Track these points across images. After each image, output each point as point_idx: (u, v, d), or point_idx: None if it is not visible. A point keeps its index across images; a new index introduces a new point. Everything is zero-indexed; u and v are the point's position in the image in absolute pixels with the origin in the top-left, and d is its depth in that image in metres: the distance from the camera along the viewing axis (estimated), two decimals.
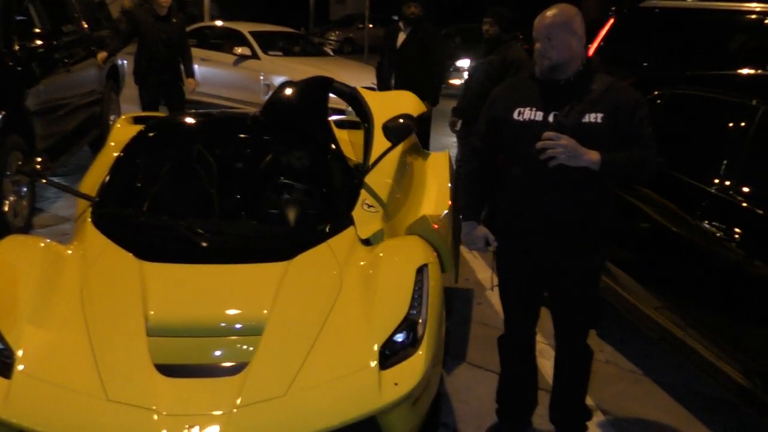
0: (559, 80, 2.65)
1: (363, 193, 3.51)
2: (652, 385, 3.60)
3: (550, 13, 2.65)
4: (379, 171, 3.67)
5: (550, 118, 2.61)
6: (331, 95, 4.33)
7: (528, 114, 2.65)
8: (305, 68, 9.23)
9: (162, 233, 3.15)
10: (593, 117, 2.59)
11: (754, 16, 6.30)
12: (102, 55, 7.02)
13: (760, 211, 2.94)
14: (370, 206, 3.45)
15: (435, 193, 3.98)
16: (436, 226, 3.47)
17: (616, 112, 2.60)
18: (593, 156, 2.53)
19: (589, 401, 3.06)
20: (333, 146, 3.84)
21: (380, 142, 3.71)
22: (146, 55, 6.65)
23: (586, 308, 2.87)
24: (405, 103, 4.48)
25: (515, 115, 2.67)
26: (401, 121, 3.62)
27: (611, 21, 6.88)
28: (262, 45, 10.59)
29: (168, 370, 2.44)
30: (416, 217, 3.57)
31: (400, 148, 3.80)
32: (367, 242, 3.30)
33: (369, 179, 3.60)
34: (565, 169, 2.55)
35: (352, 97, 4.39)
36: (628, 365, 3.79)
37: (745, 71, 4.15)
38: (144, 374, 2.41)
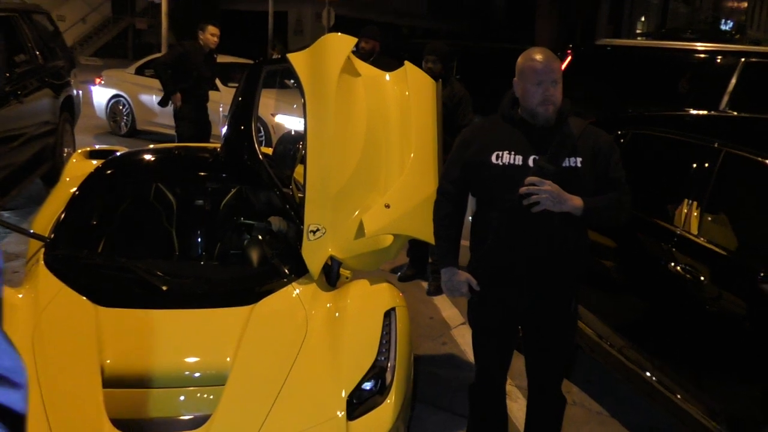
0: (537, 123, 2.57)
1: (307, 215, 3.09)
2: (619, 427, 3.57)
3: (544, 56, 2.53)
4: (316, 155, 3.07)
5: (530, 163, 2.54)
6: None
7: (507, 158, 2.56)
8: (266, 100, 9.15)
9: (119, 276, 3.04)
10: (573, 161, 2.55)
11: (702, 56, 6.51)
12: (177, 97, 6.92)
13: (724, 252, 2.97)
14: (315, 231, 3.08)
15: (397, 148, 3.29)
16: (388, 207, 3.10)
17: (594, 155, 2.58)
18: (577, 202, 2.50)
19: None
20: (271, 178, 3.63)
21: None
22: (204, 93, 6.97)
23: (562, 355, 2.81)
24: (334, 48, 3.28)
25: (494, 159, 2.57)
26: (289, 144, 3.40)
27: (569, 58, 7.01)
28: (222, 76, 10.49)
29: (125, 425, 2.32)
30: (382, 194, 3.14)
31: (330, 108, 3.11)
32: (333, 276, 3.20)
33: (310, 175, 3.08)
34: (546, 214, 2.50)
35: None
36: (595, 406, 3.76)
37: (704, 112, 4.23)
38: (99, 431, 2.28)
